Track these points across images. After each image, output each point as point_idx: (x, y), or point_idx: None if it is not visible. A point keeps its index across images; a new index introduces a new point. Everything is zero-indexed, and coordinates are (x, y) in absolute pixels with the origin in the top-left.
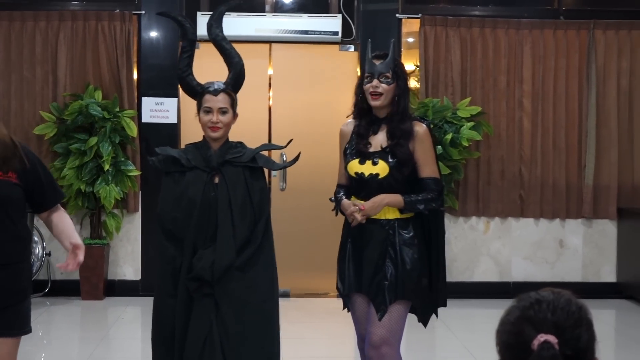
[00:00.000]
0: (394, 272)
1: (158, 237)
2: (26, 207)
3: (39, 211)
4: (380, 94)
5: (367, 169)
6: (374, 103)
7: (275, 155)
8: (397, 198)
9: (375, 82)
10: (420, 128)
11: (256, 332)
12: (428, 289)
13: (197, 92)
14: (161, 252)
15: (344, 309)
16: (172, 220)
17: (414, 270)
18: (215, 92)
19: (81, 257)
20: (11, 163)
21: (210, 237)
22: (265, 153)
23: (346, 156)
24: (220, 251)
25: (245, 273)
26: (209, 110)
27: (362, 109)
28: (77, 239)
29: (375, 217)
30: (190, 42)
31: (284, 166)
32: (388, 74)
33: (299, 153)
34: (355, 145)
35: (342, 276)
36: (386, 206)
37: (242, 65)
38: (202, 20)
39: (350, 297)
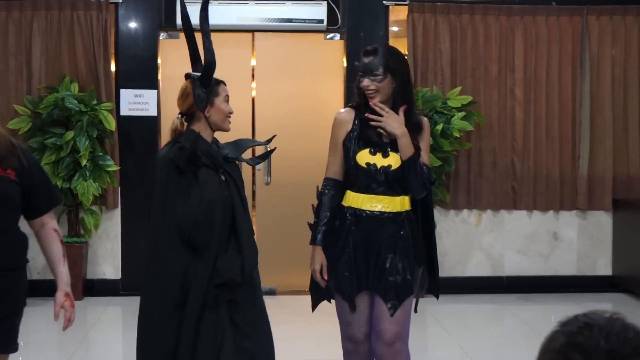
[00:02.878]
0: (406, 266)
1: (166, 242)
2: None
3: (32, 217)
4: (376, 91)
5: (379, 160)
6: (372, 101)
7: (260, 150)
8: (411, 142)
9: (366, 81)
10: (424, 121)
11: (266, 325)
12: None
13: (211, 81)
14: (171, 259)
15: (353, 310)
16: (193, 224)
17: (421, 263)
18: (225, 83)
19: (68, 314)
20: (10, 160)
21: (225, 238)
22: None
23: (350, 146)
24: (248, 251)
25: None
26: (228, 100)
27: (365, 103)
28: (64, 286)
29: (386, 209)
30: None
31: (257, 161)
32: (378, 72)
33: (274, 148)
34: (362, 134)
35: (342, 276)
36: (397, 131)
37: (214, 65)
38: None
39: (352, 297)
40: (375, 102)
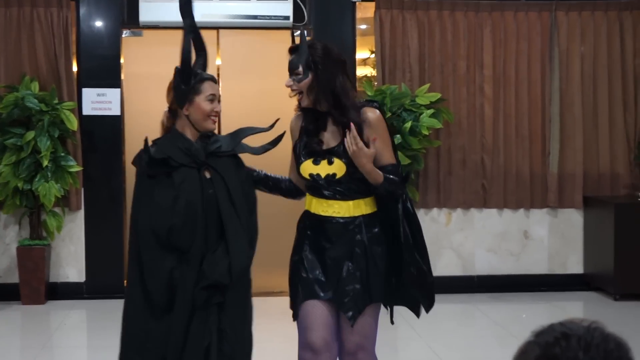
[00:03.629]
0: (364, 273)
1: (145, 249)
2: None
3: None
4: (299, 92)
5: (323, 169)
6: (301, 103)
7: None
8: (378, 173)
9: (287, 81)
10: (372, 114)
11: (249, 331)
12: (396, 288)
13: (191, 78)
14: (153, 264)
15: (295, 319)
16: (169, 230)
17: (384, 269)
18: (215, 80)
19: None
20: None
21: (215, 238)
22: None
23: (297, 156)
24: (235, 251)
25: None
26: (213, 99)
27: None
28: None
29: (336, 214)
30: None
31: (266, 149)
32: (298, 70)
33: (283, 132)
34: (306, 144)
35: (298, 282)
36: (365, 168)
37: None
38: (145, 7)
39: (306, 303)
40: (352, 131)
